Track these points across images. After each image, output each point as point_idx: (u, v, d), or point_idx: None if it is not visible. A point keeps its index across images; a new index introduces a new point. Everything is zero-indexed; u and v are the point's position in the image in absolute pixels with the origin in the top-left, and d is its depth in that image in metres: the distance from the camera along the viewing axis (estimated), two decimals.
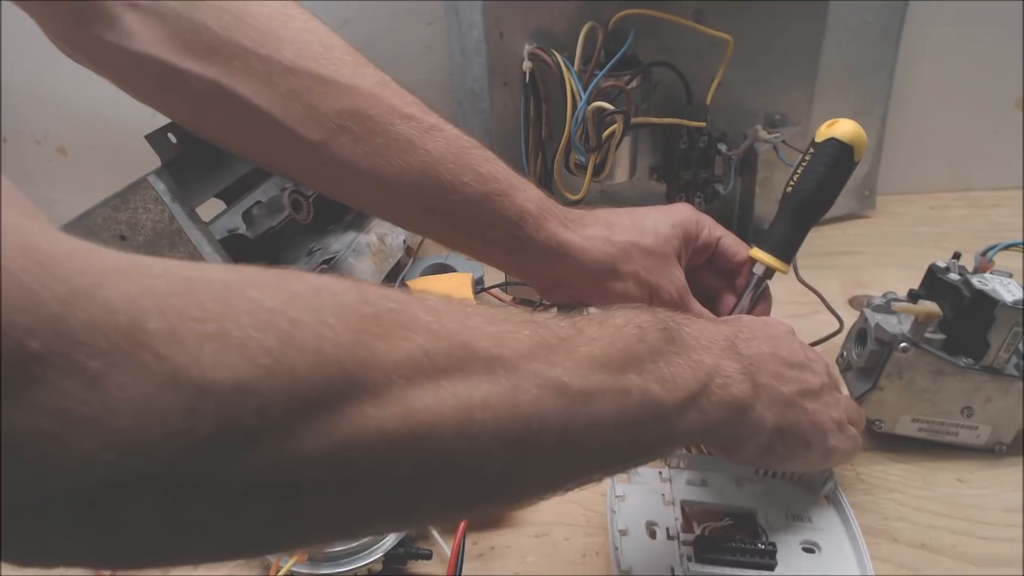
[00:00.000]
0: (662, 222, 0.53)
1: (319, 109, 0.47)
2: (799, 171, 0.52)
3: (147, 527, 0.22)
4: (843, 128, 0.51)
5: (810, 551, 0.47)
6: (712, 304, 0.56)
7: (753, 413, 0.40)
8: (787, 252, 0.53)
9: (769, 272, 0.53)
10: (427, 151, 0.48)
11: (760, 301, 0.55)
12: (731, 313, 0.55)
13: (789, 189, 0.52)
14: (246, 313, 0.23)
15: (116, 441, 0.20)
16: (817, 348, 0.60)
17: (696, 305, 0.53)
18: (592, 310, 0.57)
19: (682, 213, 0.54)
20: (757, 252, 0.53)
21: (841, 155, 0.51)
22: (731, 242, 0.55)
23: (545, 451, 0.30)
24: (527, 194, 0.50)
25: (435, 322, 0.28)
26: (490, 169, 0.49)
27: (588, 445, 0.32)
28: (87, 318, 0.20)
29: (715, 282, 0.57)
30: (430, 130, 0.48)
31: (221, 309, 0.22)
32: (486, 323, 0.30)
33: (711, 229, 0.55)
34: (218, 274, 0.24)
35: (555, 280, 0.53)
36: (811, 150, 0.52)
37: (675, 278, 0.53)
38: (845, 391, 0.54)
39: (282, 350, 0.23)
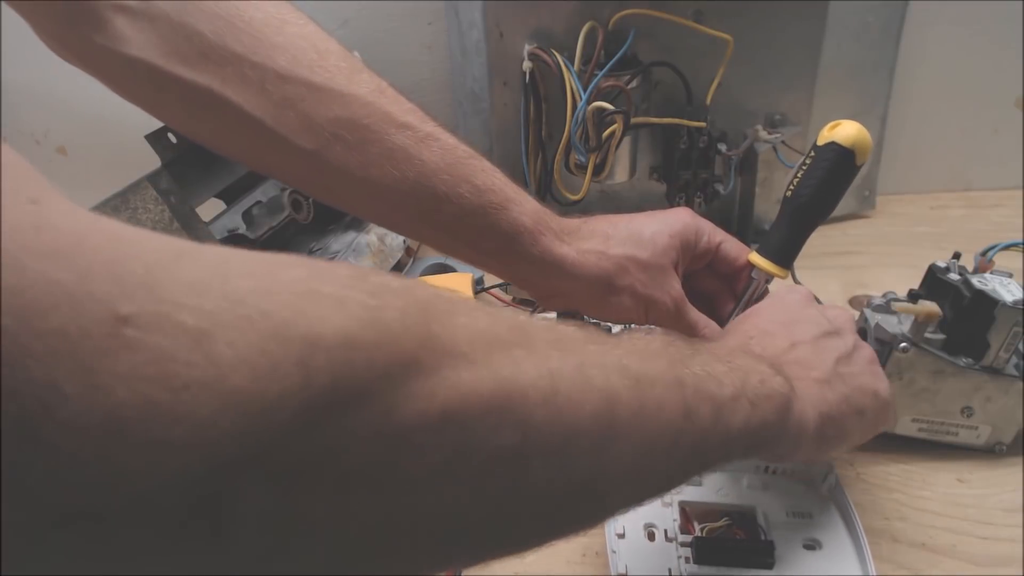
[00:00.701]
0: (660, 232, 0.52)
1: (313, 117, 0.46)
2: (799, 175, 0.51)
3: (252, 532, 0.19)
4: (845, 132, 0.49)
5: (811, 548, 0.47)
6: (711, 307, 0.56)
7: (794, 407, 0.40)
8: (786, 257, 0.53)
9: (768, 276, 0.53)
10: (422, 161, 0.47)
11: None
12: (729, 316, 0.55)
13: (789, 193, 0.52)
14: (332, 278, 0.22)
15: (232, 402, 0.18)
16: None
17: (693, 313, 0.53)
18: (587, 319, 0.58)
19: (681, 220, 0.53)
20: (756, 257, 0.53)
21: (841, 159, 0.50)
22: (731, 247, 0.55)
23: (625, 430, 0.30)
24: (523, 207, 0.50)
25: (485, 308, 0.28)
26: (486, 180, 0.49)
27: (660, 432, 0.32)
28: (181, 279, 0.19)
29: (715, 285, 0.56)
30: (426, 139, 0.48)
31: (307, 274, 0.22)
32: (532, 318, 0.30)
33: (711, 235, 0.54)
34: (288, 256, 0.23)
35: (552, 291, 0.53)
36: (812, 153, 0.51)
37: (672, 289, 0.52)
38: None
39: (376, 305, 0.22)
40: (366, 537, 0.22)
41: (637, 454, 0.31)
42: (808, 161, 0.51)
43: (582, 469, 0.28)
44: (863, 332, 0.56)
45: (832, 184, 0.50)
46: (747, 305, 0.54)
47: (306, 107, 0.46)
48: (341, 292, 0.22)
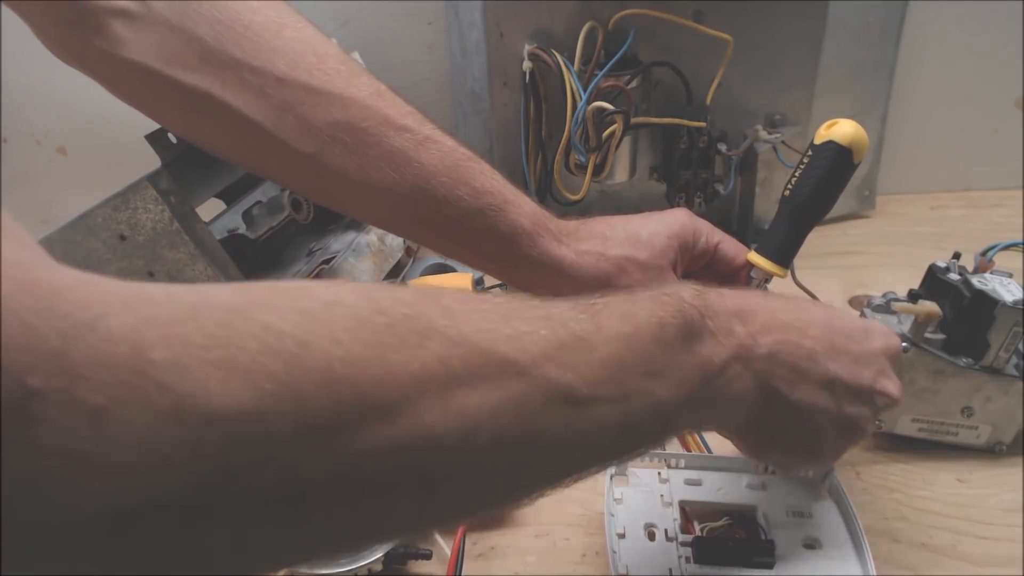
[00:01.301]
0: (658, 233, 0.52)
1: (312, 121, 0.46)
2: (797, 173, 0.51)
3: (159, 552, 0.22)
4: (842, 130, 0.50)
5: (811, 547, 0.47)
6: None
7: (742, 408, 0.39)
8: (784, 256, 0.53)
9: (767, 275, 0.53)
10: (421, 164, 0.48)
11: None
12: None
13: (787, 192, 0.52)
14: (252, 337, 0.22)
15: (122, 477, 0.20)
16: None
17: None
18: None
19: (679, 221, 0.53)
20: (754, 256, 0.53)
21: (839, 158, 0.50)
22: (730, 247, 0.55)
23: (546, 455, 0.31)
24: (521, 209, 0.50)
25: (451, 326, 0.27)
26: (485, 183, 0.49)
27: (589, 447, 0.33)
28: (89, 351, 0.19)
29: (714, 285, 0.56)
30: (425, 142, 0.48)
31: (227, 334, 0.22)
32: (502, 322, 0.29)
33: (709, 236, 0.54)
34: (223, 297, 0.23)
35: (551, 292, 0.53)
36: (809, 152, 0.51)
37: None
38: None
39: (289, 373, 0.23)
40: (266, 554, 0.25)
41: (552, 473, 0.33)
42: (806, 160, 0.51)
43: (491, 493, 0.31)
44: None
45: (830, 183, 0.50)
46: None
47: (305, 110, 0.46)
48: (255, 361, 0.22)
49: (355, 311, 0.25)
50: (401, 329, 0.26)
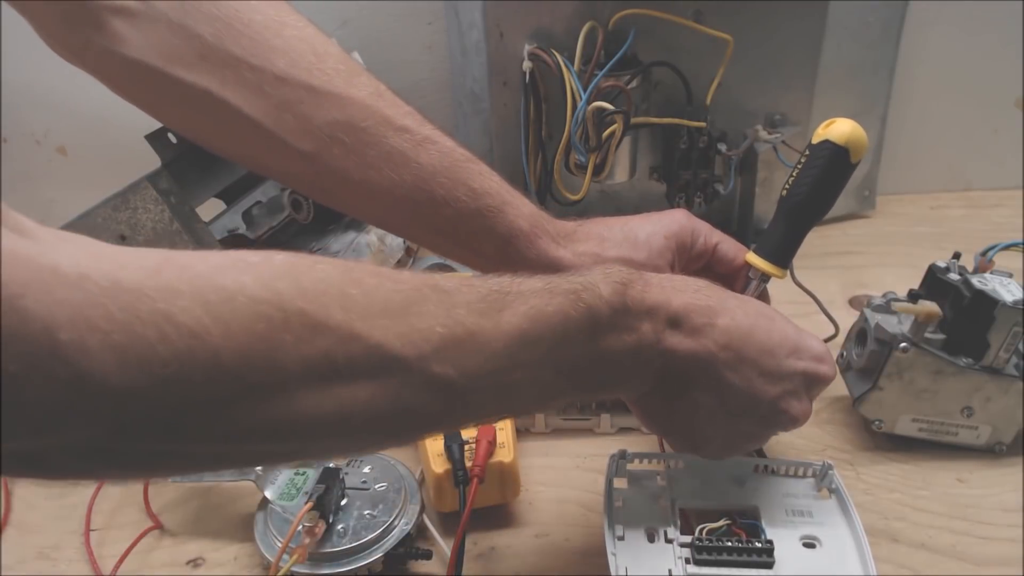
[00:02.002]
0: (656, 234, 0.52)
1: (311, 120, 0.46)
2: (794, 173, 0.51)
3: (63, 474, 0.32)
4: (839, 129, 0.49)
5: (811, 546, 0.47)
6: None
7: (641, 390, 0.41)
8: (783, 257, 0.52)
9: (766, 276, 0.53)
10: (420, 164, 0.48)
11: None
12: None
13: (784, 192, 0.51)
14: (152, 325, 0.25)
15: (30, 429, 0.24)
16: None
17: None
18: None
19: (677, 222, 0.53)
20: (752, 257, 0.53)
21: (836, 157, 0.49)
22: (729, 247, 0.54)
23: (419, 428, 0.36)
24: (520, 210, 0.50)
25: (345, 322, 0.30)
26: (483, 184, 0.49)
27: (465, 420, 0.38)
28: (8, 327, 0.22)
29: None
30: (424, 143, 0.48)
31: (129, 321, 0.25)
32: (400, 316, 0.31)
33: (707, 237, 0.54)
34: (135, 279, 0.26)
35: None
36: (806, 152, 0.50)
37: None
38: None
39: (181, 363, 0.25)
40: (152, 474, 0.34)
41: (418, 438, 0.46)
42: (803, 160, 0.50)
43: (360, 453, 0.43)
44: (863, 332, 0.56)
45: (827, 183, 0.50)
46: None
47: (304, 109, 0.46)
48: (151, 348, 0.25)
49: (253, 306, 0.28)
50: (295, 324, 0.28)
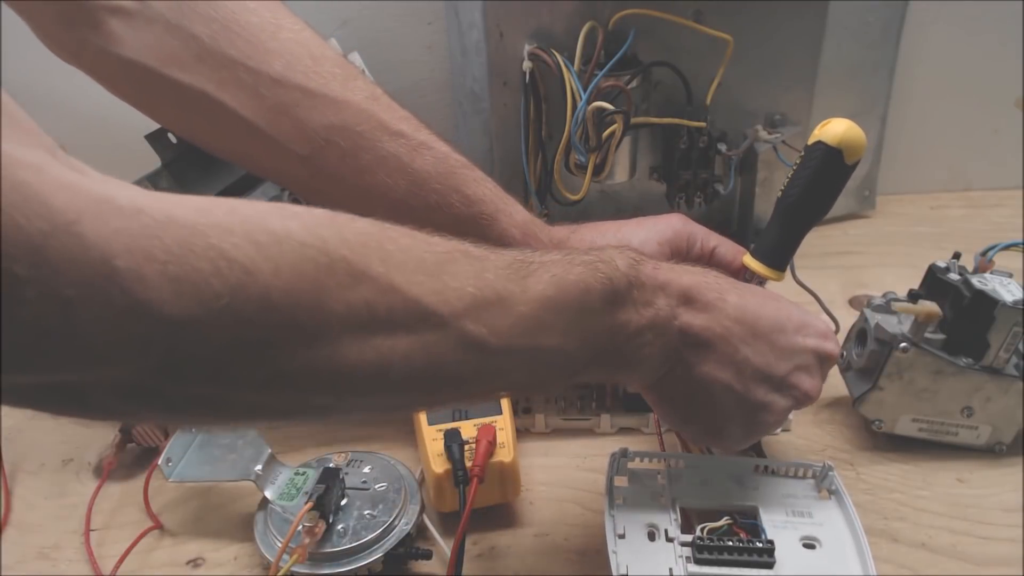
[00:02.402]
0: (649, 240, 0.52)
1: (307, 123, 0.46)
2: (789, 175, 0.50)
3: (104, 413, 0.29)
4: (832, 130, 0.47)
5: (810, 547, 0.47)
6: None
7: (648, 372, 0.42)
8: (779, 260, 0.52)
9: (763, 279, 0.53)
10: (414, 170, 0.48)
11: None
12: None
13: (780, 194, 0.51)
14: (207, 260, 0.25)
15: (81, 358, 0.24)
16: None
17: None
18: None
19: (672, 227, 0.53)
20: (749, 260, 0.52)
21: (828, 159, 0.48)
22: (726, 251, 0.54)
23: (451, 388, 0.35)
24: (513, 219, 0.51)
25: (384, 274, 0.30)
26: (477, 191, 0.50)
27: (493, 384, 0.38)
28: (64, 252, 0.22)
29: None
30: (419, 148, 0.48)
31: (184, 254, 0.25)
32: (436, 274, 0.32)
33: (703, 242, 0.54)
34: (189, 216, 0.26)
35: None
36: (802, 152, 0.50)
37: None
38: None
39: (234, 296, 0.26)
40: (197, 421, 0.35)
41: (455, 400, 0.44)
42: (798, 161, 0.50)
43: (398, 410, 0.46)
44: (863, 332, 0.56)
45: (821, 185, 0.49)
46: None
47: (300, 112, 0.46)
48: (206, 281, 0.25)
49: (301, 249, 0.28)
50: (339, 270, 0.29)
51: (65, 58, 0.48)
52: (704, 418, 0.45)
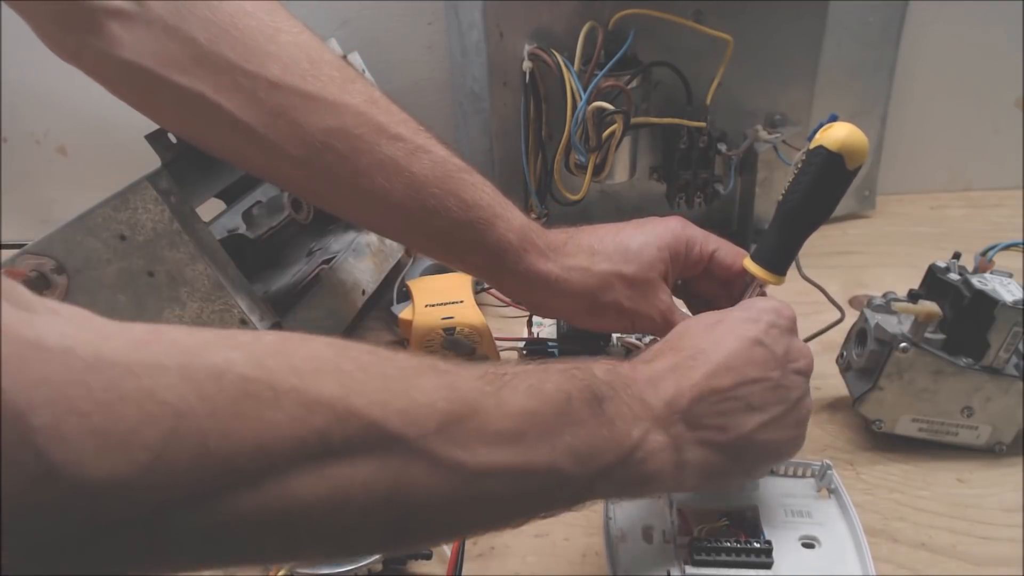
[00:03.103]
0: (648, 244, 0.52)
1: (304, 126, 0.46)
2: (790, 179, 0.50)
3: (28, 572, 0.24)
4: (833, 135, 0.47)
5: (810, 546, 0.47)
6: (711, 309, 0.55)
7: (670, 478, 0.39)
8: (780, 264, 0.52)
9: (762, 283, 0.52)
10: (412, 173, 0.48)
11: None
12: None
13: (780, 198, 0.50)
14: (135, 405, 0.23)
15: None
16: (819, 339, 0.60)
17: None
18: None
19: (671, 231, 0.53)
20: (749, 263, 0.52)
21: (829, 164, 0.47)
22: (726, 253, 0.54)
23: (425, 522, 0.31)
24: (510, 224, 0.50)
25: (342, 399, 0.28)
26: (474, 195, 0.49)
27: (480, 515, 0.33)
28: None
29: (713, 289, 0.56)
30: (416, 151, 0.48)
31: (111, 400, 0.23)
32: (401, 392, 0.30)
33: (703, 245, 0.53)
34: (122, 353, 0.24)
35: (534, 302, 0.55)
36: (803, 156, 0.49)
37: (659, 302, 0.52)
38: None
39: (164, 446, 0.24)
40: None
41: (427, 536, 0.35)
42: (799, 165, 0.49)
43: (359, 549, 0.35)
44: (863, 332, 0.56)
45: (822, 190, 0.48)
46: None
47: (298, 116, 0.46)
48: (133, 431, 0.23)
49: (242, 384, 0.26)
50: (287, 403, 0.26)
51: (65, 58, 0.48)
52: (763, 457, 0.44)
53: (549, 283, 0.51)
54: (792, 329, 0.45)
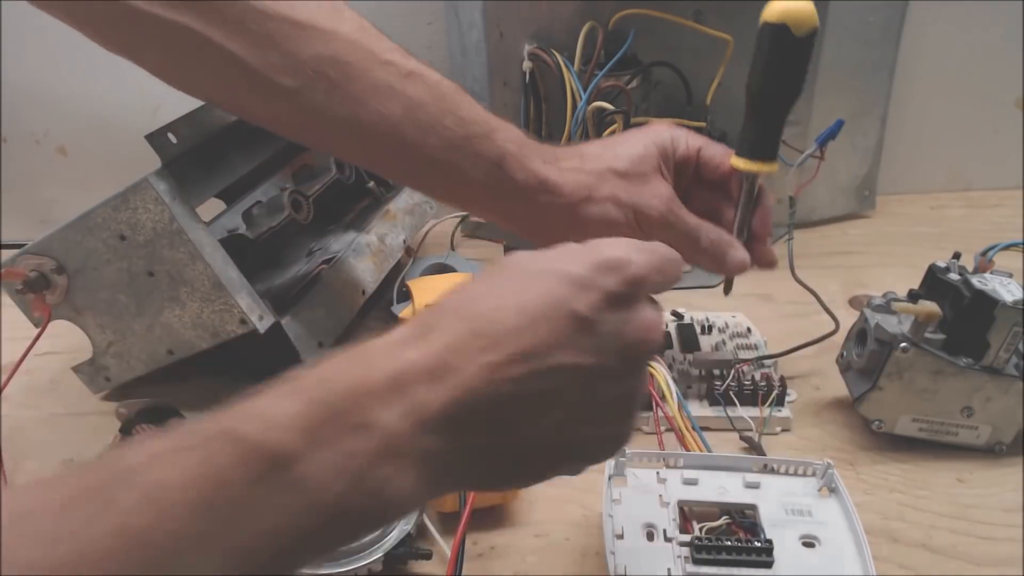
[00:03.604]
0: (634, 143, 0.53)
1: (296, 55, 0.46)
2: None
3: None
4: (772, 8, 0.46)
5: (810, 545, 0.47)
6: (716, 222, 0.55)
7: (421, 497, 0.29)
8: (765, 150, 0.51)
9: (756, 175, 0.52)
10: (407, 96, 0.47)
11: (757, 206, 0.54)
12: (733, 226, 0.54)
13: (746, 85, 0.50)
14: None
15: None
16: (814, 348, 0.61)
17: (690, 218, 0.53)
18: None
19: (655, 131, 0.54)
20: (736, 160, 0.52)
21: (777, 37, 0.47)
22: (713, 152, 0.54)
23: None
24: (508, 134, 0.51)
25: None
26: (470, 112, 0.49)
27: None
28: None
29: (712, 198, 0.56)
30: (410, 75, 0.48)
31: None
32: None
33: (688, 141, 0.54)
34: None
35: (535, 219, 0.53)
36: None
37: (659, 193, 0.52)
38: None
39: None
40: None
41: None
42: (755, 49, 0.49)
43: None
44: (863, 332, 0.56)
45: (779, 64, 0.48)
46: (749, 212, 0.54)
47: (289, 45, 0.46)
48: None
49: None
50: None
51: (45, 7, 0.46)
52: (554, 458, 0.33)
53: (548, 188, 0.51)
54: (635, 295, 0.32)
